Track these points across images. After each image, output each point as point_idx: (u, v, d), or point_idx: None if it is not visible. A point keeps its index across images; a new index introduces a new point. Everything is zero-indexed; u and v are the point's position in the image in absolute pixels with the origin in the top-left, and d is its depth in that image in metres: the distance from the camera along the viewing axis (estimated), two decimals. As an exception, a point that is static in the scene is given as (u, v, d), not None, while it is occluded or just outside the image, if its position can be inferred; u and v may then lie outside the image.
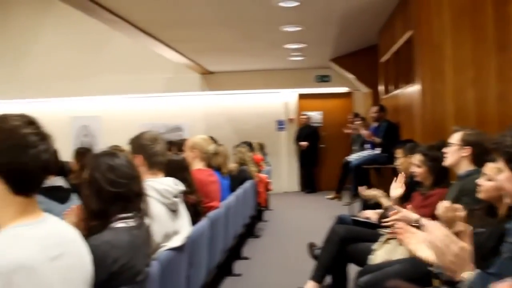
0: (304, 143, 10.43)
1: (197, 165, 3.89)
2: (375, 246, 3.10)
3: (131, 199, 1.97)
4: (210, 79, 10.77)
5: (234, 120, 10.78)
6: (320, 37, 7.44)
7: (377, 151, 6.75)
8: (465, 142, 2.81)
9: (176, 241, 2.45)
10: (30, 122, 1.42)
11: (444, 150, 2.92)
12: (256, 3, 5.54)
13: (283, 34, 6.97)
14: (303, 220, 7.49)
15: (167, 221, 2.48)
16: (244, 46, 8.01)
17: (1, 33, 11.48)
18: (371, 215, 3.58)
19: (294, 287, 3.87)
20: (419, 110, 5.14)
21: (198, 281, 3.05)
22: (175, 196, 2.57)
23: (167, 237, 2.43)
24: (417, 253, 2.08)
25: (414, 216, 2.78)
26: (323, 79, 10.71)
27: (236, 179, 5.30)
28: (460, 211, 2.15)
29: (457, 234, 1.63)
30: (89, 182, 1.98)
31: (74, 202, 3.28)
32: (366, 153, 7.13)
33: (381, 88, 7.98)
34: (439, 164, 3.01)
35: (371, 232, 3.41)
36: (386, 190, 3.69)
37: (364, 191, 4.01)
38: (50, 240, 1.41)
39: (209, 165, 4.12)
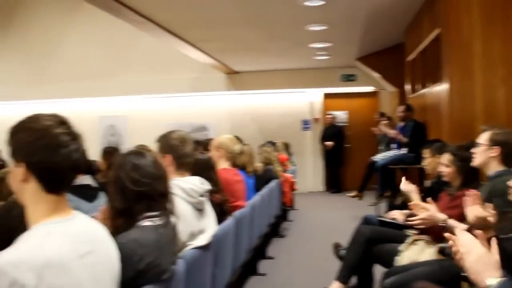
0: (329, 143, 10.37)
1: (222, 165, 3.91)
2: (401, 247, 3.06)
3: (155, 198, 1.98)
4: (236, 79, 10.80)
5: (259, 119, 10.79)
6: (346, 36, 7.39)
7: (404, 151, 6.66)
8: (493, 142, 2.74)
9: (202, 240, 2.46)
10: (61, 122, 1.45)
11: (473, 150, 2.87)
12: (281, 2, 5.53)
13: (308, 33, 6.94)
14: (328, 220, 7.45)
15: (193, 220, 2.49)
16: (269, 45, 8.00)
17: (28, 34, 11.75)
18: (398, 215, 3.53)
19: (319, 288, 3.85)
20: (447, 109, 5.06)
21: (223, 280, 3.06)
22: (201, 195, 2.58)
23: (193, 236, 2.44)
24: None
25: (441, 216, 2.74)
26: (349, 79, 10.62)
27: (262, 179, 5.30)
28: (491, 217, 2.10)
29: (489, 239, 1.59)
30: (114, 180, 2.01)
31: (102, 201, 3.35)
32: (392, 153, 7.05)
33: (407, 87, 7.88)
34: (468, 165, 2.95)
35: (397, 233, 3.37)
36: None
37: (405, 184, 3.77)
38: (80, 237, 1.44)
39: (234, 165, 4.14)
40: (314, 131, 10.83)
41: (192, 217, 2.49)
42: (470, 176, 3.06)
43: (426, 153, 3.95)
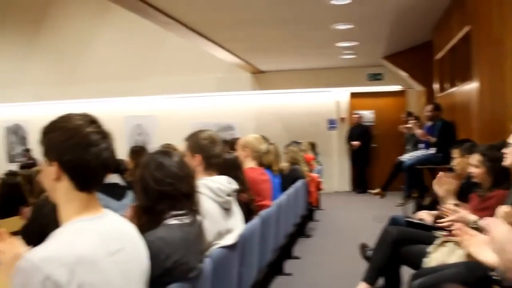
0: (356, 143, 10.29)
1: (249, 164, 3.91)
2: (430, 248, 3.01)
3: (178, 198, 1.99)
4: (261, 78, 10.81)
5: (284, 119, 10.78)
6: (372, 35, 7.31)
7: (432, 150, 6.56)
8: (525, 142, 2.68)
9: (229, 239, 2.48)
10: (92, 121, 1.48)
11: (504, 150, 2.81)
12: (308, 1, 5.51)
13: (334, 32, 6.90)
14: (355, 221, 7.40)
15: (220, 219, 2.50)
16: (295, 44, 7.98)
17: (59, 36, 12.02)
18: (426, 216, 3.48)
19: (345, 289, 3.83)
20: (476, 108, 4.96)
21: (249, 279, 3.07)
22: (229, 195, 2.59)
23: (220, 235, 2.45)
24: (478, 256, 1.99)
25: (472, 217, 2.69)
26: (376, 78, 10.51)
27: (288, 178, 5.29)
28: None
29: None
30: (138, 179, 2.04)
31: (129, 199, 3.39)
32: (420, 153, 6.95)
33: (435, 86, 7.75)
34: (499, 165, 2.88)
35: (425, 234, 3.31)
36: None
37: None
38: (110, 235, 1.47)
39: (261, 164, 4.14)
40: (340, 131, 10.76)
41: (219, 217, 2.50)
42: (501, 177, 2.99)
43: (455, 153, 3.88)
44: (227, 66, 10.11)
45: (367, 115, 10.80)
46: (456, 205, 2.98)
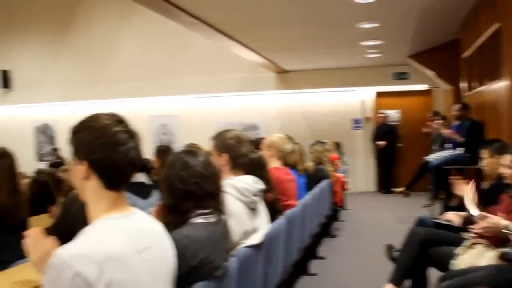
0: (381, 142, 10.19)
1: (274, 164, 3.90)
2: (458, 250, 2.96)
3: (203, 197, 2.00)
4: (286, 77, 10.79)
5: (309, 118, 10.74)
6: (398, 33, 7.22)
7: (459, 151, 6.46)
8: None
9: (254, 239, 2.48)
10: (119, 120, 1.50)
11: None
12: (332, 0, 5.47)
13: (359, 31, 6.84)
14: (380, 221, 7.32)
15: (246, 219, 2.50)
16: (320, 44, 7.95)
17: (86, 37, 12.23)
18: (454, 218, 3.42)
19: (371, 289, 3.79)
20: (506, 107, 4.86)
21: (274, 278, 3.07)
22: (255, 195, 2.58)
23: (246, 234, 2.45)
24: None
25: (503, 222, 2.63)
26: (401, 77, 10.38)
27: (313, 178, 5.27)
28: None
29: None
30: (164, 178, 2.05)
31: (155, 198, 3.43)
32: (447, 153, 6.84)
33: (463, 85, 7.62)
34: (531, 166, 2.82)
35: (453, 236, 3.26)
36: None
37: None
38: (138, 233, 1.48)
39: (286, 163, 4.13)
40: (366, 130, 10.67)
41: (245, 216, 2.50)
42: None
43: (484, 153, 3.80)
44: (251, 65, 10.13)
45: (393, 114, 10.67)
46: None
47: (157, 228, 1.61)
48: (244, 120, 10.51)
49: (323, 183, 5.52)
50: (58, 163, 10.99)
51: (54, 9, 12.49)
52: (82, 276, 1.28)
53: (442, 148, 7.42)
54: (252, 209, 2.57)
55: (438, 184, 6.73)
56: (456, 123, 6.70)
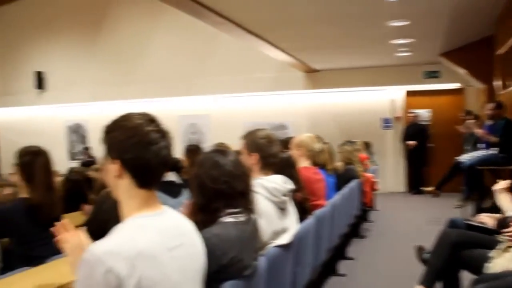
0: (411, 142, 10.03)
1: (303, 163, 3.89)
2: (492, 253, 2.89)
3: (233, 196, 2.01)
4: (314, 77, 10.73)
5: (338, 118, 10.66)
6: (429, 31, 7.09)
7: (492, 151, 6.31)
8: None
9: (284, 239, 2.47)
10: (151, 120, 1.51)
11: None
12: (361, -2, 5.43)
13: (389, 29, 6.75)
14: (410, 222, 7.22)
15: (275, 219, 2.50)
16: (349, 42, 7.88)
17: (117, 38, 12.44)
18: (487, 220, 3.34)
19: (401, 291, 3.74)
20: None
21: (303, 278, 3.06)
22: (284, 195, 2.58)
23: (276, 234, 2.45)
24: None
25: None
26: (432, 75, 10.19)
27: (342, 178, 5.23)
28: None
29: None
30: (194, 177, 2.07)
31: (185, 197, 3.46)
32: (480, 153, 6.69)
33: (497, 83, 7.44)
34: None
35: (487, 238, 3.18)
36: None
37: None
38: (169, 231, 1.50)
39: (315, 163, 4.10)
40: (395, 130, 10.53)
41: (274, 216, 2.50)
42: None
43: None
44: (280, 65, 10.12)
45: (423, 114, 10.50)
46: None
47: (188, 227, 1.62)
48: (272, 119, 10.49)
49: (353, 183, 5.48)
50: (89, 162, 11.22)
51: (86, 12, 12.76)
52: (114, 272, 1.30)
53: (474, 148, 7.28)
54: (282, 209, 2.56)
55: (470, 185, 6.59)
56: (490, 122, 6.55)
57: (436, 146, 10.24)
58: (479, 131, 6.64)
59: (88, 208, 3.95)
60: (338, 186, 4.87)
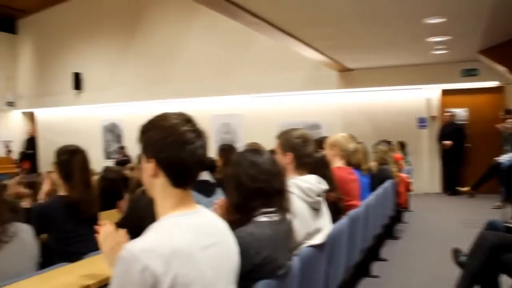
0: (448, 142, 9.82)
1: (337, 163, 3.85)
2: (533, 256, 2.81)
3: (271, 195, 2.02)
4: (348, 76, 10.63)
5: (372, 117, 10.53)
6: (467, 28, 6.92)
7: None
8: None
9: (317, 239, 2.46)
10: (187, 120, 1.53)
11: None
12: (397, -4, 5.34)
13: (425, 27, 6.62)
14: (445, 223, 7.07)
15: (309, 219, 2.49)
16: (384, 41, 7.77)
17: (151, 39, 12.64)
18: (528, 222, 3.24)
19: (437, 294, 3.67)
20: None
21: (336, 279, 3.04)
22: (318, 195, 2.56)
23: (309, 235, 2.44)
24: None
25: None
26: (470, 73, 9.93)
27: (376, 178, 5.17)
28: None
29: None
30: (231, 177, 2.07)
31: (219, 196, 3.48)
32: (521, 153, 6.51)
33: (539, 81, 7.20)
34: None
35: (528, 241, 3.09)
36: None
37: None
38: (204, 230, 1.51)
39: (349, 163, 4.06)
40: (431, 130, 10.32)
41: (308, 217, 2.49)
42: None
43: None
44: (313, 64, 10.07)
45: (460, 113, 10.26)
46: None
47: (222, 226, 1.63)
48: (306, 119, 10.46)
49: (387, 184, 5.40)
50: (124, 161, 11.43)
51: (121, 15, 13.04)
52: (150, 270, 1.32)
53: (514, 148, 7.07)
54: (315, 210, 2.55)
55: (510, 186, 6.41)
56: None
57: (473, 146, 9.98)
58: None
59: (123, 205, 4.03)
60: (372, 187, 4.81)
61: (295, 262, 2.12)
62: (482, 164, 8.17)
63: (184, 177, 1.51)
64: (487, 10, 5.91)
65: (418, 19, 6.23)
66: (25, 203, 3.25)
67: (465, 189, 8.06)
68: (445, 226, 6.90)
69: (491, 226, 3.62)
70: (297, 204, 2.37)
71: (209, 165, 3.85)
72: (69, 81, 13.82)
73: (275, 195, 2.03)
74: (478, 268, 3.28)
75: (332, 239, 2.72)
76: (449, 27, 6.69)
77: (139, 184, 3.23)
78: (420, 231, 6.65)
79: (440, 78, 10.04)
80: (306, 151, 2.65)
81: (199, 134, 1.52)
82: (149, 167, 1.51)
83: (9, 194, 4.78)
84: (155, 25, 12.59)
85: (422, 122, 10.37)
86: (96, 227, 1.83)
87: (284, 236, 2.02)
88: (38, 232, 2.75)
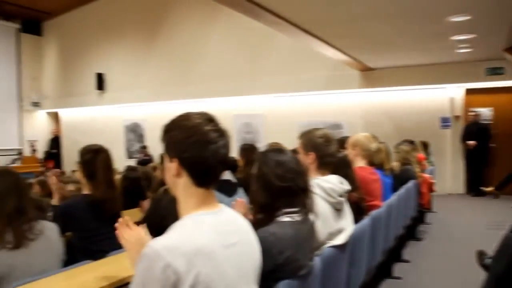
0: (472, 142, 9.66)
1: (359, 163, 3.82)
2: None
3: (297, 193, 2.02)
4: (370, 75, 10.54)
5: (394, 117, 10.42)
6: (492, 26, 6.79)
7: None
8: None
9: (339, 239, 2.45)
10: (210, 119, 1.53)
11: None
12: (420, -7, 5.28)
13: (449, 25, 6.52)
14: (469, 225, 6.95)
15: (331, 220, 2.48)
16: (406, 40, 7.68)
17: (173, 40, 12.75)
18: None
19: (460, 297, 3.62)
20: None
21: (357, 280, 3.02)
22: (340, 195, 2.55)
23: (331, 235, 2.43)
24: None
25: None
26: (495, 72, 9.74)
27: (399, 179, 5.11)
28: None
29: None
30: (257, 176, 2.07)
31: (240, 195, 3.49)
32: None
33: None
34: None
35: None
36: None
37: None
38: (226, 229, 1.51)
39: (371, 163, 4.03)
40: (454, 130, 10.16)
41: (331, 217, 2.48)
42: None
43: None
44: (335, 64, 10.02)
45: (485, 112, 10.08)
46: None
47: (244, 225, 1.64)
48: (327, 119, 10.41)
49: (410, 184, 5.34)
50: (146, 161, 11.55)
51: (143, 16, 13.19)
52: (173, 268, 1.33)
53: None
54: (338, 210, 2.54)
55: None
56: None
57: (498, 147, 9.80)
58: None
59: (146, 204, 4.06)
60: (395, 187, 4.76)
61: (316, 262, 2.12)
62: (507, 165, 8.03)
63: (207, 177, 1.51)
64: (512, 7, 5.80)
65: (442, 17, 6.14)
66: (54, 201, 3.30)
67: (489, 189, 7.94)
68: (469, 227, 6.79)
69: (517, 228, 3.55)
70: (320, 204, 2.36)
71: (231, 165, 3.86)
72: (93, 82, 14.03)
73: (300, 194, 2.03)
74: (503, 271, 3.21)
75: (354, 239, 2.71)
76: (473, 25, 6.58)
77: (162, 183, 3.26)
78: (443, 233, 6.56)
79: (464, 77, 9.87)
80: (328, 150, 2.64)
81: (221, 133, 1.52)
82: (172, 166, 1.52)
83: (36, 191, 4.88)
84: (177, 26, 12.69)
85: (445, 122, 10.22)
86: (116, 224, 1.85)
87: (306, 236, 2.01)
88: (63, 230, 2.80)
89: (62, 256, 2.65)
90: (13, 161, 13.96)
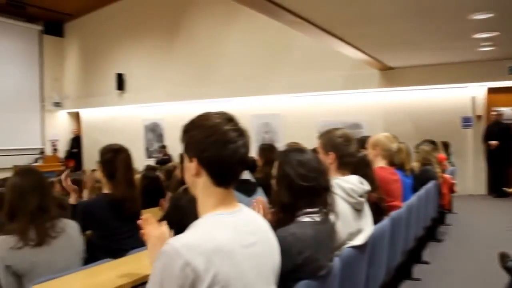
0: (494, 142, 9.51)
1: (379, 163, 3.79)
2: None
3: (319, 193, 2.02)
4: (390, 75, 10.44)
5: (414, 117, 10.31)
6: (516, 24, 6.68)
7: None
8: None
9: (359, 240, 2.43)
10: (229, 119, 1.53)
11: None
12: (441, -9, 5.21)
13: (471, 23, 6.42)
14: (491, 226, 6.85)
15: (351, 220, 2.46)
16: (427, 38, 7.58)
17: (192, 41, 12.82)
18: None
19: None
20: None
21: (377, 280, 2.99)
22: (361, 196, 2.53)
23: (351, 235, 2.41)
24: None
25: None
26: (519, 70, 9.58)
27: (419, 179, 5.05)
28: None
29: None
30: (279, 176, 2.07)
31: (259, 195, 3.49)
32: None
33: None
34: None
35: None
36: None
37: None
38: (245, 228, 1.51)
39: (392, 163, 3.99)
40: (476, 129, 10.01)
41: (350, 218, 2.46)
42: None
43: None
44: (354, 63, 9.95)
45: (508, 112, 9.91)
46: None
47: (263, 225, 1.63)
48: (346, 118, 10.35)
49: (430, 185, 5.28)
50: (165, 160, 11.64)
51: (163, 17, 13.30)
52: (191, 266, 1.33)
53: None
54: (358, 210, 2.52)
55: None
56: None
57: (521, 147, 9.63)
58: None
59: (165, 203, 4.09)
60: (415, 187, 4.71)
61: (336, 262, 2.11)
62: (530, 165, 7.87)
63: (226, 176, 1.51)
64: (537, 5, 5.69)
65: (464, 15, 6.06)
66: (71, 200, 3.34)
67: (511, 190, 7.80)
68: (491, 229, 6.69)
69: (541, 230, 3.49)
70: (340, 204, 2.35)
71: (250, 165, 3.86)
72: (113, 82, 14.18)
73: (322, 194, 2.03)
74: (526, 273, 3.17)
75: (374, 240, 2.69)
76: (496, 23, 6.48)
77: (181, 182, 3.28)
78: (464, 234, 6.47)
79: (486, 75, 9.71)
80: (348, 150, 2.63)
81: (241, 133, 1.52)
82: (191, 166, 1.52)
83: (57, 190, 4.95)
84: (196, 26, 12.76)
85: (466, 122, 10.08)
86: (139, 221, 1.86)
87: (326, 236, 2.00)
88: (83, 229, 2.83)
89: (82, 254, 2.69)
90: (36, 160, 14.19)
